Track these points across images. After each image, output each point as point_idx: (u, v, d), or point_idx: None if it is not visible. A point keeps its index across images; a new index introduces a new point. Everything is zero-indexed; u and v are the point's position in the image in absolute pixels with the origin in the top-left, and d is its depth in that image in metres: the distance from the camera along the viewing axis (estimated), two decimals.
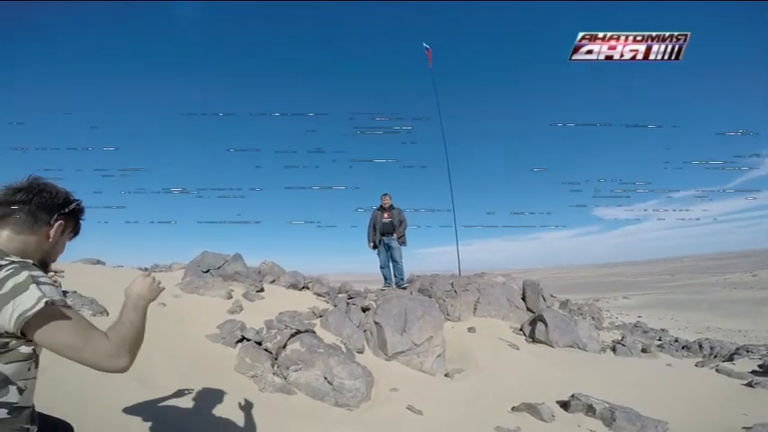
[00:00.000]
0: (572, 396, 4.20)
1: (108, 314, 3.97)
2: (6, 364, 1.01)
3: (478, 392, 4.48)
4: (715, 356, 7.78)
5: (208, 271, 6.17)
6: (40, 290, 0.99)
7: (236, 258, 6.48)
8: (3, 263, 1.01)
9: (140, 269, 7.26)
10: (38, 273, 1.04)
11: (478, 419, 3.75)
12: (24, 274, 1.00)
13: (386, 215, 7.45)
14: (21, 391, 1.06)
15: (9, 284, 0.97)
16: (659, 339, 9.74)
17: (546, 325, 6.94)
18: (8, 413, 1.03)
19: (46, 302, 0.98)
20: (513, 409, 4.05)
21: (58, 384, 2.48)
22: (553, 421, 3.80)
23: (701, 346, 8.35)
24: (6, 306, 0.95)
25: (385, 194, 7.61)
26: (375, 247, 7.61)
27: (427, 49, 11.03)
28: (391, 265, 7.54)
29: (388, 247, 7.41)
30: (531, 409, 3.93)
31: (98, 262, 6.86)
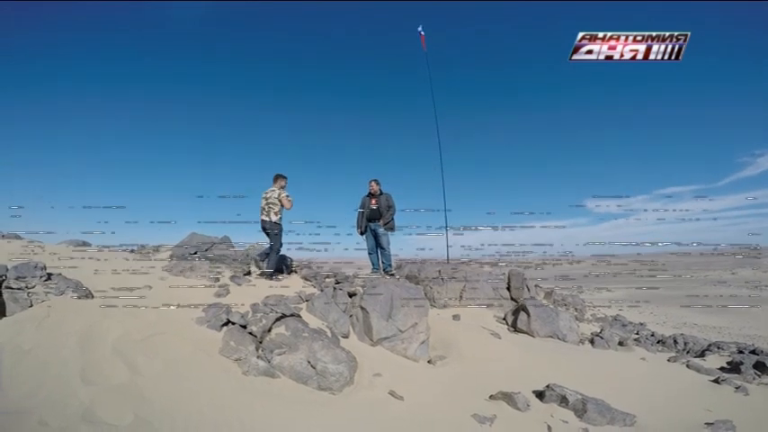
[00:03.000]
0: (547, 386, 4.35)
1: (93, 297, 3.95)
2: None
3: (459, 380, 4.61)
4: (688, 352, 8.07)
5: (195, 253, 6.15)
6: None
7: (224, 241, 6.46)
8: None
9: (126, 250, 7.19)
10: None
11: (457, 407, 3.87)
12: None
13: (373, 201, 7.40)
14: None
15: None
16: (637, 333, 10.04)
17: (528, 315, 7.11)
18: None
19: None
20: (490, 397, 4.18)
21: (44, 367, 2.49)
22: (528, 410, 3.95)
23: (675, 342, 8.64)
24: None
25: (372, 180, 7.55)
26: (363, 233, 7.61)
27: (421, 33, 11.18)
28: (378, 251, 7.56)
29: (375, 234, 7.41)
30: (508, 397, 4.07)
31: (84, 243, 6.76)
